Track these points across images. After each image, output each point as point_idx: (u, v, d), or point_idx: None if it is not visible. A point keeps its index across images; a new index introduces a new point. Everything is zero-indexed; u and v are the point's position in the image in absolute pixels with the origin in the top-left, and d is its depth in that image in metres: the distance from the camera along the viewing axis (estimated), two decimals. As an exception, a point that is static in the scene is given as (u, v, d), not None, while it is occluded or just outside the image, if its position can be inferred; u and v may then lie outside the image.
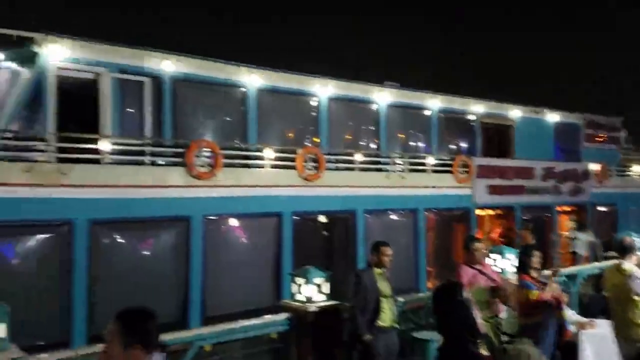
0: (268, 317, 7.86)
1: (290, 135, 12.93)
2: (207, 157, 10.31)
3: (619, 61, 39.92)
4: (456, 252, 13.97)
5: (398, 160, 13.52)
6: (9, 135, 9.09)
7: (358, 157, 12.70)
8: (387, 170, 13.20)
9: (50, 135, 9.00)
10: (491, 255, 10.33)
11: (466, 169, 14.49)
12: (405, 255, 12.96)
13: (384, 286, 7.22)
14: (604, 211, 18.46)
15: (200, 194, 10.15)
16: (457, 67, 37.38)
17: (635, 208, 18.66)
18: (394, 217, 13.60)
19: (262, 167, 11.18)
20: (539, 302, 6.66)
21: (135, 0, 34.19)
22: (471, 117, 15.91)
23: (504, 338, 6.94)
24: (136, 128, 10.47)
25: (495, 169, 15.27)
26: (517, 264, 7.59)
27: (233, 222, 11.09)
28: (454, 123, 15.57)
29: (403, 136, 14.74)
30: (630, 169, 19.82)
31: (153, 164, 10.14)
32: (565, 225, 17.53)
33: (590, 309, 9.58)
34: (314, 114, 12.91)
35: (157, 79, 10.57)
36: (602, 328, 6.89)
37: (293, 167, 11.47)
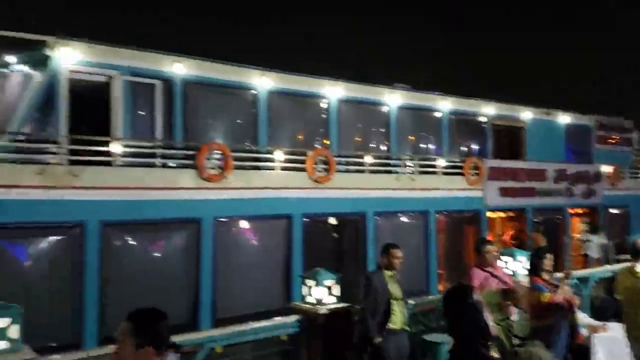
0: (278, 319, 7.86)
1: (300, 137, 12.94)
2: (218, 159, 10.34)
3: (619, 61, 39.88)
4: (467, 254, 13.90)
5: (408, 162, 13.48)
6: (22, 137, 9.17)
7: (368, 159, 12.69)
8: (397, 172, 13.17)
9: (62, 138, 9.07)
10: (502, 257, 10.28)
11: (477, 171, 14.42)
12: (415, 258, 12.92)
13: (395, 288, 7.20)
14: (616, 213, 18.31)
15: (210, 196, 10.18)
16: (457, 67, 37.35)
17: (647, 210, 18.51)
18: (404, 219, 13.56)
19: (273, 169, 11.19)
20: (551, 304, 6.61)
21: (135, 0, 34.25)
22: (482, 119, 15.85)
23: (515, 341, 6.89)
24: (147, 130, 10.52)
25: (507, 170, 15.19)
26: (528, 267, 7.55)
27: (243, 224, 11.11)
28: (464, 125, 15.51)
29: (413, 138, 14.70)
30: (643, 170, 19.66)
31: (164, 166, 10.19)
32: (577, 227, 17.42)
33: (603, 312, 9.51)
34: (324, 116, 12.91)
35: (168, 82, 10.62)
36: (615, 331, 6.83)
37: (303, 169, 11.47)
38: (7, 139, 8.96)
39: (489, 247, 7.51)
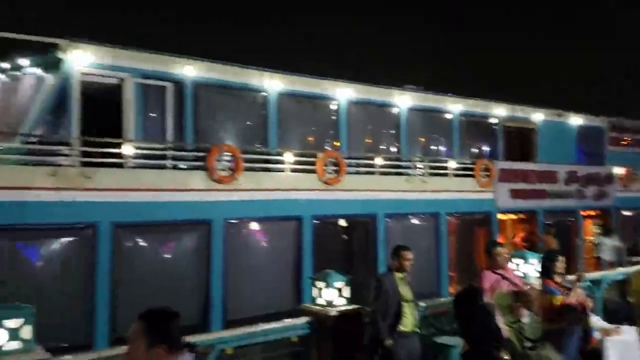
0: (288, 321, 7.86)
1: (310, 139, 12.94)
2: (228, 161, 10.36)
3: (619, 61, 39.66)
4: (478, 256, 13.84)
5: (419, 164, 13.45)
6: (35, 139, 9.24)
7: (378, 160, 12.66)
8: (407, 174, 13.14)
9: (74, 140, 9.13)
10: (514, 260, 10.23)
11: (488, 173, 14.36)
12: (426, 260, 12.87)
13: (406, 291, 7.18)
14: (628, 215, 18.16)
15: (221, 197, 10.20)
16: (457, 67, 37.20)
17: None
18: (414, 221, 13.52)
19: (283, 171, 11.20)
20: (563, 307, 6.57)
21: (135, 0, 34.34)
22: (493, 121, 15.78)
23: (527, 343, 6.84)
24: (158, 132, 10.57)
25: (518, 172, 15.11)
26: (540, 269, 7.50)
27: (254, 225, 11.13)
28: (475, 126, 15.46)
29: (424, 140, 14.66)
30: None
31: (175, 167, 10.24)
32: (589, 229, 17.29)
33: (615, 315, 9.44)
34: (334, 117, 12.91)
35: (179, 84, 10.67)
36: (628, 334, 6.79)
37: (313, 171, 11.47)
38: (20, 141, 9.04)
39: (499, 250, 7.48)
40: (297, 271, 11.16)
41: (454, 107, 14.79)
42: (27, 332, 6.41)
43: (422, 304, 7.94)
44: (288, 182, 11.15)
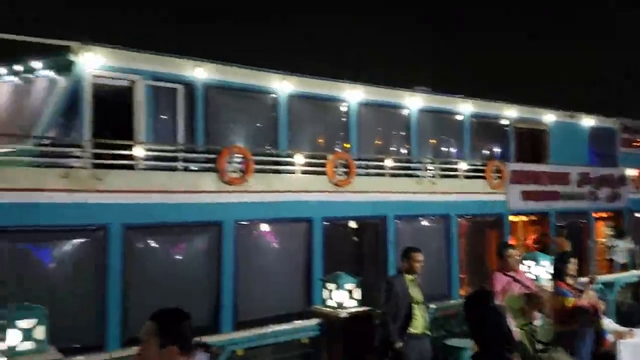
0: (299, 323, 7.87)
1: (320, 140, 12.95)
2: (239, 162, 10.39)
3: (619, 61, 39.45)
4: (489, 258, 13.78)
5: (429, 166, 13.41)
6: (47, 141, 9.31)
7: (389, 162, 12.64)
8: (418, 176, 13.10)
9: (86, 142, 9.18)
10: (525, 262, 10.17)
11: (499, 175, 14.29)
12: (437, 262, 12.83)
13: (416, 292, 7.16)
14: (641, 217, 18.00)
15: (231, 199, 10.23)
16: (457, 67, 37.04)
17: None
18: (425, 223, 13.48)
19: (293, 173, 11.21)
20: (575, 309, 6.52)
21: (135, 0, 34.42)
22: (504, 122, 15.71)
23: (539, 346, 6.80)
24: (169, 134, 10.61)
25: (530, 174, 15.03)
26: (552, 271, 7.46)
27: (264, 227, 11.15)
28: (486, 128, 15.39)
29: (434, 141, 14.62)
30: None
31: (186, 169, 10.27)
32: (602, 231, 17.16)
33: (629, 317, 9.38)
34: (344, 119, 12.91)
35: (189, 86, 10.71)
36: (641, 337, 6.72)
37: (323, 173, 11.47)
38: (32, 143, 9.11)
39: (511, 252, 7.45)
40: (308, 273, 11.16)
41: (465, 108, 14.74)
42: (40, 332, 6.46)
43: (432, 306, 7.92)
44: (298, 184, 11.16)
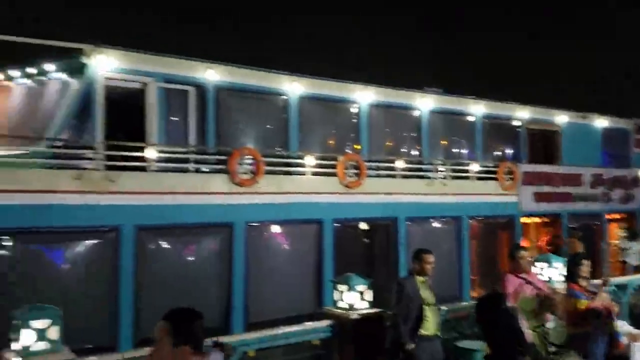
0: (310, 324, 7.87)
1: (331, 142, 12.95)
2: (249, 164, 10.41)
3: (619, 61, 39.18)
4: (501, 260, 13.71)
5: (440, 167, 13.36)
6: (60, 143, 9.38)
7: (399, 163, 12.61)
8: (429, 177, 13.06)
9: (98, 144, 9.24)
10: (538, 263, 10.12)
11: (511, 176, 14.22)
12: (448, 264, 12.78)
13: (427, 294, 7.14)
14: (655, 219, 17.82)
15: (242, 200, 10.25)
16: (457, 67, 36.84)
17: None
18: (436, 224, 13.44)
19: (304, 174, 11.22)
20: (588, 311, 6.48)
21: (135, 0, 34.48)
22: (516, 123, 15.63)
23: (552, 348, 6.76)
24: (181, 136, 10.66)
25: (542, 175, 14.94)
26: (565, 273, 7.41)
27: (275, 228, 11.16)
28: (498, 129, 15.32)
29: (446, 142, 14.57)
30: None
31: (197, 171, 10.31)
32: (615, 233, 17.02)
33: (643, 320, 9.27)
34: (354, 120, 12.90)
35: (201, 88, 10.75)
36: (656, 340, 6.66)
37: (334, 174, 11.47)
38: (45, 145, 9.19)
39: (523, 253, 7.41)
40: (318, 274, 11.16)
41: (477, 109, 14.68)
42: (54, 332, 6.52)
43: (443, 307, 7.89)
44: (309, 185, 11.16)
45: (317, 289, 11.07)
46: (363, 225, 12.36)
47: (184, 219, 9.66)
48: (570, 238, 13.97)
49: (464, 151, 14.91)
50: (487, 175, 13.96)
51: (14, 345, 6.69)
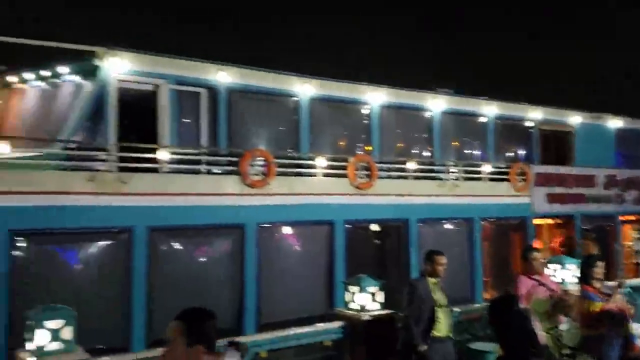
0: (321, 325, 7.88)
1: (342, 143, 12.94)
2: (261, 165, 10.44)
3: (619, 61, 38.90)
4: (514, 262, 13.63)
5: (452, 168, 13.31)
6: (73, 145, 9.46)
7: (411, 165, 12.58)
8: (441, 179, 13.02)
9: (111, 146, 9.31)
10: (551, 265, 10.05)
11: (524, 177, 14.14)
12: (460, 265, 12.73)
13: (439, 296, 7.12)
14: (670, 221, 17.63)
15: (254, 202, 10.27)
16: (457, 67, 36.66)
17: None
18: (448, 226, 13.39)
19: (315, 176, 11.23)
20: (602, 313, 6.42)
21: (135, 0, 34.50)
22: (529, 124, 15.55)
23: (565, 350, 6.70)
24: (193, 138, 10.70)
25: (555, 176, 14.83)
26: (578, 275, 7.35)
27: (286, 230, 11.17)
28: (510, 130, 15.25)
29: (457, 143, 14.51)
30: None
31: (209, 172, 10.35)
32: (629, 235, 16.86)
33: (658, 322, 9.16)
34: (365, 122, 12.89)
35: (212, 90, 10.80)
36: (671, 342, 6.58)
37: (345, 176, 11.47)
38: (59, 147, 9.27)
39: (535, 255, 7.38)
40: (330, 275, 11.15)
41: (489, 110, 14.62)
42: (67, 333, 6.58)
43: (455, 309, 7.86)
44: (320, 187, 11.17)
45: (328, 290, 11.06)
46: (374, 227, 12.34)
47: (195, 220, 9.70)
48: (584, 240, 13.85)
49: (476, 152, 14.84)
50: (499, 176, 13.89)
51: (29, 345, 6.77)
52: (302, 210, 10.82)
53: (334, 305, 10.33)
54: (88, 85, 9.74)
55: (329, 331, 7.68)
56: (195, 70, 10.61)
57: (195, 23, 39.51)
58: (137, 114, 10.00)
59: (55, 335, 6.62)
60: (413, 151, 13.78)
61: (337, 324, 8.05)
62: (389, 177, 12.41)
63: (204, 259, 10.16)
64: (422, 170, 12.82)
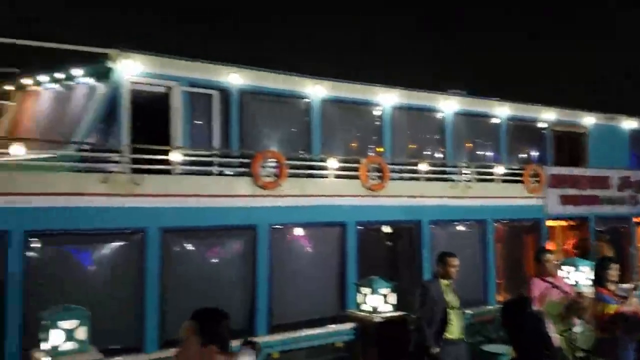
0: (333, 327, 7.87)
1: (353, 145, 12.93)
2: (273, 167, 10.46)
3: (619, 61, 38.54)
4: (527, 264, 13.54)
5: (465, 170, 13.25)
6: (86, 147, 9.53)
7: (423, 166, 12.54)
8: (453, 180, 12.97)
9: (124, 147, 9.37)
10: (564, 267, 9.97)
11: (537, 179, 14.05)
12: (473, 267, 12.66)
13: (451, 298, 7.10)
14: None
15: (265, 203, 10.29)
16: (457, 67, 36.45)
17: None
18: (460, 227, 13.32)
19: (326, 177, 11.22)
20: (617, 316, 6.36)
21: (135, 0, 34.47)
22: (542, 125, 15.46)
23: (579, 353, 6.65)
24: (205, 139, 10.75)
25: (568, 178, 14.73)
26: (592, 277, 7.29)
27: (298, 231, 11.17)
28: (523, 131, 15.16)
29: (470, 145, 14.45)
30: None
31: (221, 174, 10.39)
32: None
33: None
34: (377, 123, 12.87)
35: (224, 92, 10.84)
36: (688, 346, 6.50)
37: (357, 177, 11.45)
38: (72, 148, 9.34)
39: (548, 257, 7.33)
40: (341, 277, 11.13)
41: (501, 111, 14.55)
42: (82, 333, 6.63)
43: (468, 311, 7.82)
44: (332, 188, 11.16)
45: (340, 291, 11.04)
46: (386, 228, 12.31)
47: (208, 222, 9.73)
48: (598, 241, 13.73)
49: (489, 153, 14.78)
50: (512, 178, 13.82)
51: (43, 345, 6.83)
52: (313, 211, 10.82)
53: (345, 307, 10.31)
54: (101, 88, 9.81)
55: (341, 333, 7.67)
56: (207, 73, 10.65)
57: (195, 23, 39.56)
58: (149, 116, 10.06)
59: (69, 335, 6.67)
60: (425, 152, 13.74)
61: (348, 326, 8.03)
62: (401, 178, 12.38)
63: (216, 260, 10.20)
64: (434, 172, 12.78)
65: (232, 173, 10.51)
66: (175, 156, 9.76)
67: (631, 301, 6.56)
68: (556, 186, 14.39)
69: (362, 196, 11.46)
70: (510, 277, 13.64)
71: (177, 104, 10.28)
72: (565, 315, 6.70)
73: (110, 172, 9.08)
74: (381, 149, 12.85)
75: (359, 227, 11.42)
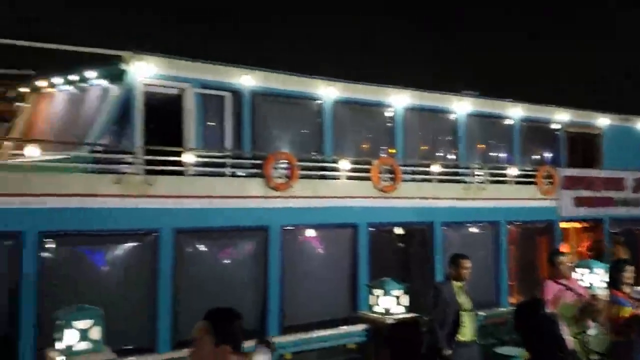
0: (345, 328, 7.86)
1: (365, 146, 12.92)
2: (285, 168, 10.47)
3: (619, 61, 38.08)
4: (540, 266, 13.44)
5: (478, 171, 13.19)
6: (100, 148, 9.60)
7: (435, 168, 12.50)
8: (465, 182, 12.91)
9: (137, 149, 9.43)
10: (578, 269, 9.89)
11: (551, 180, 13.95)
12: (485, 269, 12.60)
13: (464, 299, 7.06)
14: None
15: (277, 204, 10.31)
16: (457, 67, 36.19)
17: None
18: (473, 229, 13.25)
19: (338, 179, 11.22)
20: (631, 319, 6.29)
21: (135, 0, 34.45)
22: (555, 126, 15.35)
23: (593, 356, 6.59)
24: (217, 141, 10.79)
25: (582, 179, 14.61)
26: (607, 279, 7.22)
27: (309, 232, 11.18)
28: (537, 132, 15.06)
29: (483, 146, 14.38)
30: None
31: (233, 175, 10.42)
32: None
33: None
34: (389, 124, 12.84)
35: (237, 94, 10.88)
36: None
37: (369, 179, 11.44)
38: (86, 150, 9.42)
39: (562, 259, 7.27)
40: (353, 278, 11.13)
41: (515, 112, 14.47)
42: (96, 333, 6.68)
43: (481, 313, 7.78)
44: (343, 190, 11.16)
45: (352, 293, 11.03)
46: (398, 230, 12.28)
47: (220, 223, 9.77)
48: (613, 243, 13.60)
49: (502, 155, 14.69)
50: (525, 179, 13.73)
51: (58, 345, 6.89)
52: (325, 213, 10.83)
53: (357, 308, 10.30)
54: (115, 89, 9.88)
55: (353, 334, 7.67)
56: (220, 74, 10.69)
57: (195, 23, 39.59)
58: (162, 118, 10.12)
59: (84, 335, 6.72)
60: (437, 154, 13.68)
61: (361, 327, 8.02)
62: (413, 180, 12.34)
63: (229, 261, 10.23)
64: (446, 173, 12.73)
65: (244, 174, 10.55)
66: (188, 157, 9.81)
67: (647, 304, 6.49)
68: (570, 188, 14.28)
69: (374, 197, 11.44)
70: (523, 279, 13.55)
71: (189, 105, 10.33)
72: (580, 318, 6.64)
73: (124, 173, 9.14)
74: (393, 151, 12.82)
75: (370, 229, 11.41)
